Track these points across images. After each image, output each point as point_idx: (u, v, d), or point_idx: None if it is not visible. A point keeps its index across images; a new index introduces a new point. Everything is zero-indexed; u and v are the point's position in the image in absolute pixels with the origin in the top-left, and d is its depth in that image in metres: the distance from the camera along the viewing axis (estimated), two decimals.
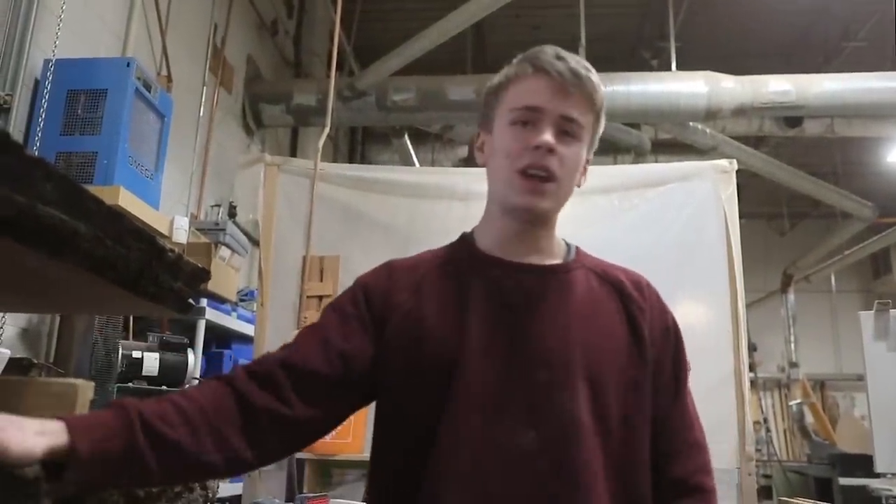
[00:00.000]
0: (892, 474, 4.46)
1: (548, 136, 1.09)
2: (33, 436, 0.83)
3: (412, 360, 1.09)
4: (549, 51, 1.14)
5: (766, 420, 9.34)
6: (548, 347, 1.07)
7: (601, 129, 1.19)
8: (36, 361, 1.14)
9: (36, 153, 0.82)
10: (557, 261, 1.18)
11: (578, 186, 1.18)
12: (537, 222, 1.15)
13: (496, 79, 1.20)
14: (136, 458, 0.90)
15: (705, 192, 3.15)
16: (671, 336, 1.19)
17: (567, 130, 1.11)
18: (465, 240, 1.22)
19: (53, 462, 0.84)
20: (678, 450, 1.14)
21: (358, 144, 8.52)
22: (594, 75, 1.14)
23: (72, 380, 1.06)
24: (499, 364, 1.07)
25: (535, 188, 1.10)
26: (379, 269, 1.20)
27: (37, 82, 3.02)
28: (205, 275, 1.27)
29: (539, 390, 1.05)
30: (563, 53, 1.14)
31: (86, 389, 0.89)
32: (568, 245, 1.23)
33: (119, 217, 0.98)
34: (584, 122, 1.13)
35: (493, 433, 1.04)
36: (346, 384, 1.10)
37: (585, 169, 1.19)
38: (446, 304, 1.12)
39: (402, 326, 1.11)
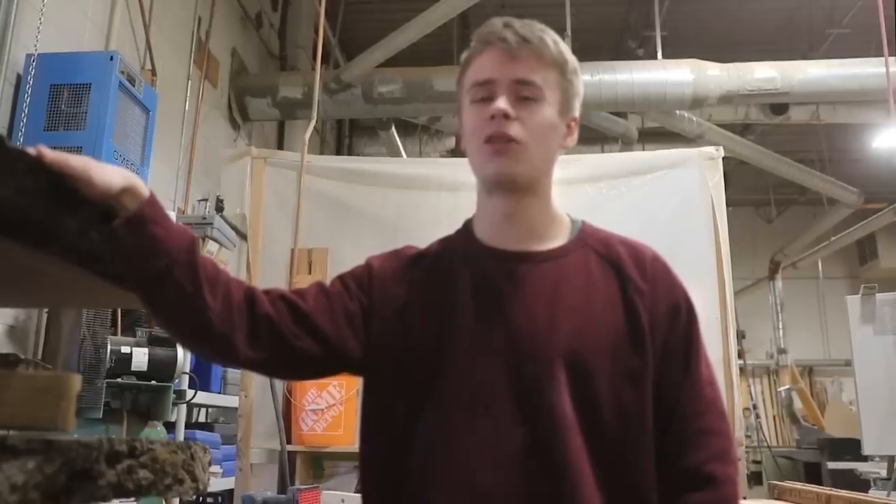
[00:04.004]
0: (880, 457, 4.50)
1: (500, 104, 1.07)
2: (116, 177, 0.94)
3: (398, 358, 1.09)
4: (497, 23, 1.12)
5: (755, 406, 9.42)
6: (535, 340, 1.05)
7: (577, 85, 1.15)
8: (23, 357, 1.13)
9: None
10: (556, 244, 1.13)
11: (565, 148, 1.15)
12: (517, 190, 1.11)
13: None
14: (170, 265, 0.97)
15: (692, 180, 3.16)
16: (681, 314, 1.11)
17: (526, 95, 1.08)
18: (466, 227, 1.20)
19: (109, 211, 0.94)
20: (689, 439, 1.07)
21: (345, 137, 8.50)
22: (548, 35, 1.12)
23: (58, 372, 1.05)
24: (485, 359, 1.05)
25: (499, 150, 1.07)
26: (389, 256, 1.19)
27: (19, 77, 2.99)
28: None
29: (525, 385, 1.03)
30: (512, 21, 1.12)
31: (73, 382, 0.88)
32: (573, 221, 1.18)
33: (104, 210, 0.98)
34: (543, 82, 1.09)
35: (478, 429, 1.02)
36: (336, 348, 1.10)
37: (571, 128, 1.15)
38: (435, 301, 1.11)
39: (391, 322, 1.11)
